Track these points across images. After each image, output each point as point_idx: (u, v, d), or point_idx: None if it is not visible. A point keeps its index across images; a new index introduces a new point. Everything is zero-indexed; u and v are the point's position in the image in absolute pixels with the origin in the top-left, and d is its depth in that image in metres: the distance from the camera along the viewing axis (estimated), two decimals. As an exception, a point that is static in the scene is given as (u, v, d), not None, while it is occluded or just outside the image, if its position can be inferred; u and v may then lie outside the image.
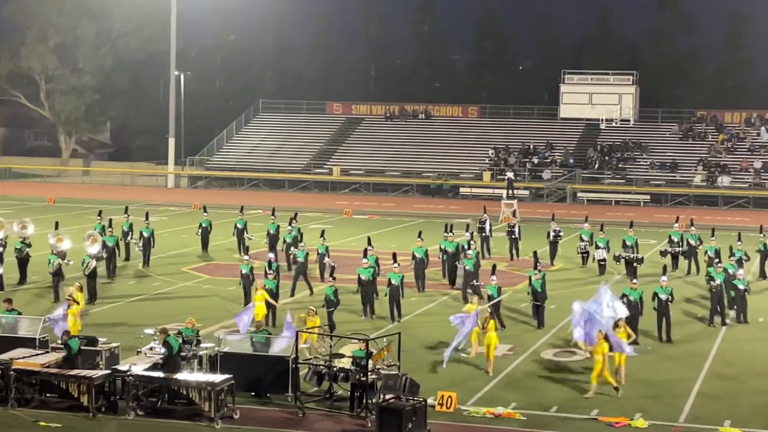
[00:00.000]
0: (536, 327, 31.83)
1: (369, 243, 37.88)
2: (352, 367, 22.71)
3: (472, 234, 41.00)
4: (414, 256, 38.11)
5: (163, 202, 69.42)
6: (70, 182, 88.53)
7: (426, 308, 34.82)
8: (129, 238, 43.34)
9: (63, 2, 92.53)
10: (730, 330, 32.35)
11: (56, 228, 39.37)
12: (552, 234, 43.95)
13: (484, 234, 45.09)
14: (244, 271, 34.06)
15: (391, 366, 22.96)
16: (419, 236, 39.31)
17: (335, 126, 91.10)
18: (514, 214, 54.87)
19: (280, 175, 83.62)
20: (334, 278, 30.50)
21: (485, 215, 46.26)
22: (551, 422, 22.63)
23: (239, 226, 45.26)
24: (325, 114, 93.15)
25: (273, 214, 45.36)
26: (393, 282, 32.53)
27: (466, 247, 38.35)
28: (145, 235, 42.07)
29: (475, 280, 35.00)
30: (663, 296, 30.32)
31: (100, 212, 44.72)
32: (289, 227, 41.61)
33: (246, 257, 35.05)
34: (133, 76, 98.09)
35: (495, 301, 29.58)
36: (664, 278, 30.82)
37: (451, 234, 40.09)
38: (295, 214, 44.84)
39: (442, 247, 39.58)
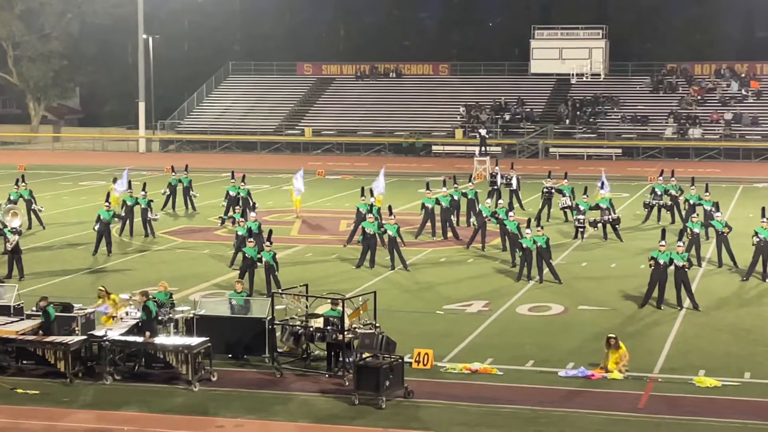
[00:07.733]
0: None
1: (372, 194, 39.73)
2: (328, 327, 22.78)
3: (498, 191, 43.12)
4: (424, 206, 39.85)
5: (134, 167, 68.97)
6: (41, 149, 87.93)
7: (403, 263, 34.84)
8: (33, 206, 42.44)
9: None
10: (702, 279, 32.54)
11: None
12: (545, 191, 43.95)
13: (512, 188, 45.84)
14: (240, 233, 33.94)
15: (367, 325, 23.02)
16: (428, 187, 40.95)
17: (306, 87, 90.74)
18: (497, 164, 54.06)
19: (251, 137, 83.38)
20: (270, 243, 30.32)
21: (512, 171, 47.02)
22: (528, 376, 22.78)
23: (185, 184, 47.60)
24: (296, 75, 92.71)
25: (233, 177, 45.90)
26: (389, 233, 34.11)
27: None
28: (143, 205, 40.77)
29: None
30: (679, 263, 28.25)
31: (18, 181, 43.30)
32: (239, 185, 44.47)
33: (242, 219, 34.81)
34: (100, 42, 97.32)
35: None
36: (663, 243, 28.60)
37: (429, 191, 40.43)
38: (243, 176, 46.21)
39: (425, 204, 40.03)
